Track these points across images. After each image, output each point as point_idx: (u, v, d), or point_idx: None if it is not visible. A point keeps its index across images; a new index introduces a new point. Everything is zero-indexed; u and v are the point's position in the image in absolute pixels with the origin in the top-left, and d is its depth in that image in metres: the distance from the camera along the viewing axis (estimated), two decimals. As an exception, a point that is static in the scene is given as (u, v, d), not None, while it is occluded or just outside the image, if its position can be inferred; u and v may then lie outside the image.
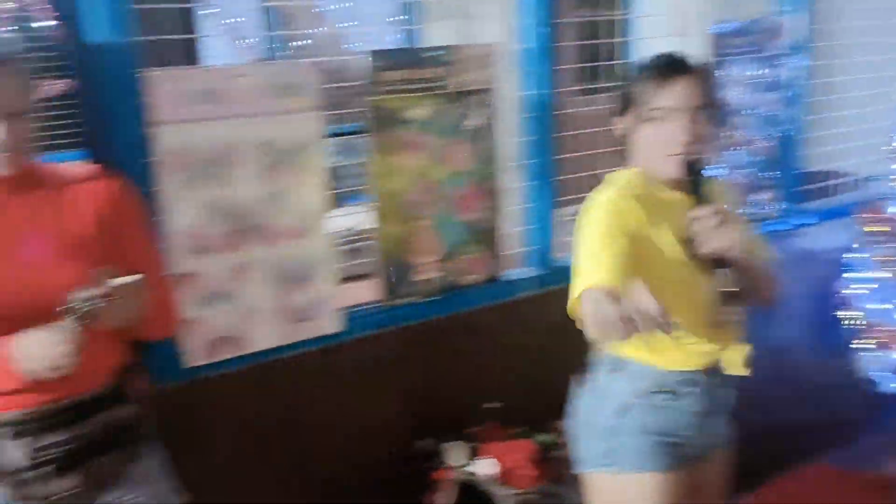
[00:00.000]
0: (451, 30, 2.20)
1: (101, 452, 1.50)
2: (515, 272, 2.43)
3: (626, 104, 1.62)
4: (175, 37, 1.82)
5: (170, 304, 1.61)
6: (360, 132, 2.13)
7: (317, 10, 5.99)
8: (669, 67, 1.57)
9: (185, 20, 1.89)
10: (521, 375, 2.37)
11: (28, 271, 1.43)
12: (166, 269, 1.68)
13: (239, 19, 5.29)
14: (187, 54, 1.85)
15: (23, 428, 1.44)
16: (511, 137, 2.37)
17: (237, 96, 1.87)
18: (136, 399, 1.60)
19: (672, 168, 1.57)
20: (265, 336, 2.01)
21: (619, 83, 1.62)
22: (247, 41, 5.41)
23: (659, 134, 1.57)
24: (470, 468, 2.14)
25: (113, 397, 1.54)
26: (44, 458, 1.44)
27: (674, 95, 1.54)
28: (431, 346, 2.27)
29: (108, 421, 1.52)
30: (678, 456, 1.67)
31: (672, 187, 1.61)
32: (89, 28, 1.70)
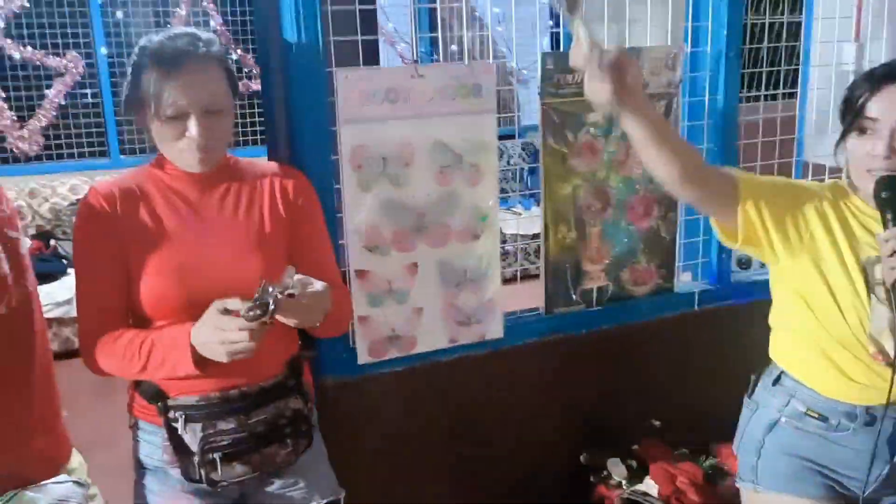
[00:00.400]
0: (606, 34, 2.12)
1: (271, 442, 1.52)
2: (687, 285, 2.31)
3: (842, 112, 1.49)
4: (364, 37, 1.83)
5: (343, 305, 1.61)
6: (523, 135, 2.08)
7: (470, 13, 6.06)
8: (884, 75, 1.43)
9: (367, 21, 1.92)
10: (688, 394, 2.25)
11: (215, 264, 1.47)
12: (341, 268, 1.70)
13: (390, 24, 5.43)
14: (363, 55, 1.86)
15: (195, 413, 1.47)
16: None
17: (416, 96, 1.87)
18: (306, 391, 1.61)
19: (867, 183, 1.44)
20: (432, 337, 2.00)
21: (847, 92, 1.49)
22: (401, 45, 5.53)
23: (861, 146, 1.43)
24: (637, 487, 2.04)
25: (285, 388, 1.56)
26: (213, 445, 1.47)
27: (880, 106, 1.41)
28: (596, 358, 2.20)
29: (279, 412, 1.53)
30: (831, 488, 1.57)
31: (871, 205, 1.47)
32: (288, 27, 1.74)
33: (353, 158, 1.84)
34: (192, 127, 1.40)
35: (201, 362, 1.38)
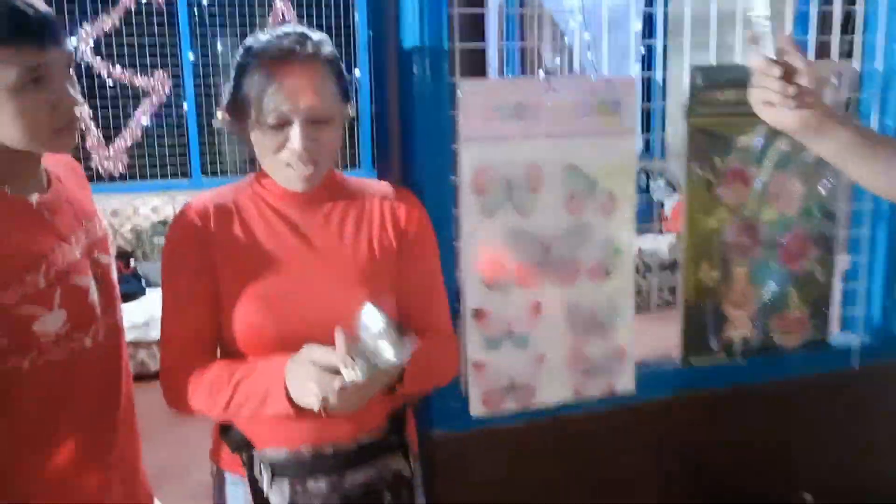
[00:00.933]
0: (705, 51, 1.87)
1: None
2: (845, 337, 2.00)
3: None
4: (480, 44, 1.61)
5: (445, 358, 1.39)
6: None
7: (560, 29, 5.85)
8: None
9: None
10: (845, 464, 1.93)
11: (314, 294, 1.27)
12: (454, 306, 1.46)
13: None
14: (471, 68, 1.64)
15: (283, 470, 1.26)
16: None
17: (548, 113, 1.64)
18: (411, 448, 1.38)
19: None
20: (554, 388, 1.74)
21: None
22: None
23: None
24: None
25: (386, 446, 1.33)
26: None
27: None
28: (738, 418, 1.90)
29: (379, 474, 1.31)
30: None
31: None
32: (409, 31, 1.54)
33: (474, 181, 1.62)
34: (295, 137, 1.21)
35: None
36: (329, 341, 1.13)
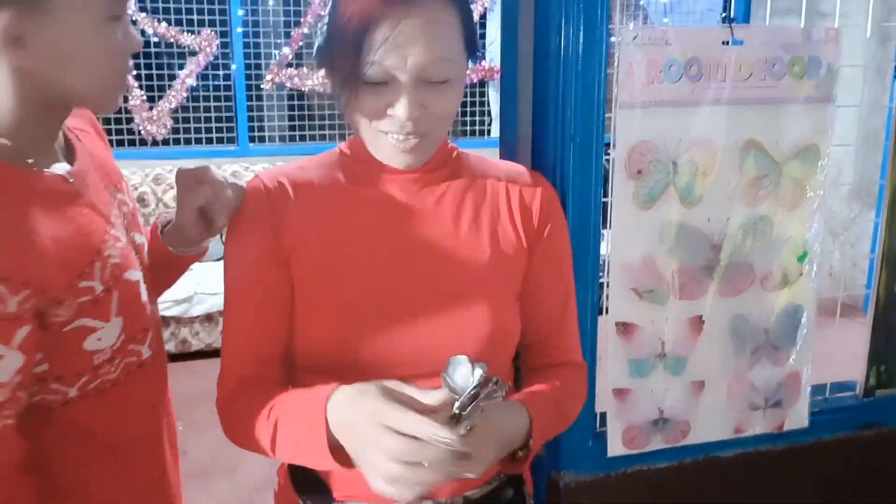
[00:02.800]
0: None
1: None
2: None
3: None
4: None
5: (572, 396, 1.07)
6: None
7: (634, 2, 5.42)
8: None
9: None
10: None
11: (416, 306, 0.96)
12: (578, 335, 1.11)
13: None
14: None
15: None
16: None
17: (728, 72, 1.26)
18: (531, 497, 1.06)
19: None
20: (712, 423, 1.38)
21: None
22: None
23: None
24: None
25: (499, 501, 1.03)
26: None
27: None
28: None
29: None
30: None
31: None
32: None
33: (630, 162, 1.25)
34: (402, 102, 0.89)
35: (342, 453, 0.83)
36: (429, 376, 0.83)
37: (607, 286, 1.28)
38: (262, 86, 4.93)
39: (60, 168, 0.89)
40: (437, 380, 0.77)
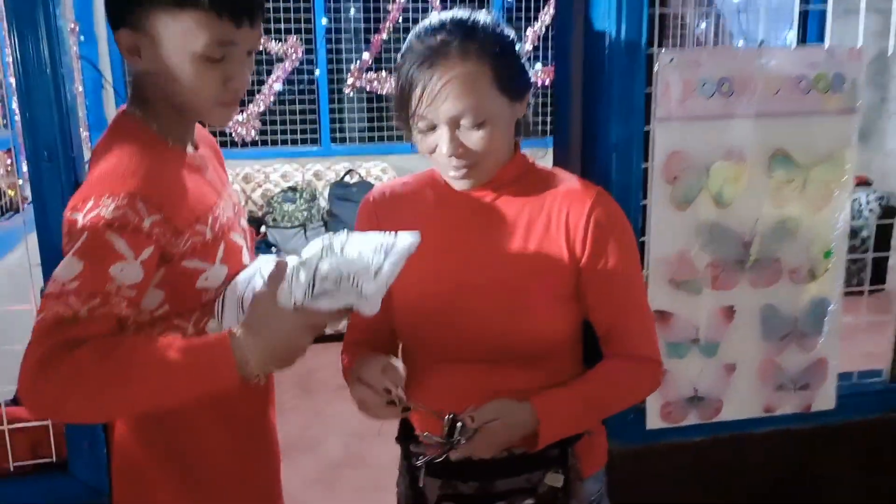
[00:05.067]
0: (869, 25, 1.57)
1: None
2: None
3: None
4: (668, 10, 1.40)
5: (638, 380, 1.21)
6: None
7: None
8: None
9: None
10: None
11: (467, 309, 1.16)
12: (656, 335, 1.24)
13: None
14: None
15: (437, 468, 1.17)
16: None
17: (758, 88, 1.42)
18: (574, 465, 1.23)
19: None
20: (742, 402, 1.54)
21: None
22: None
23: None
24: None
25: (543, 459, 1.18)
26: None
27: None
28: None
29: (531, 485, 1.18)
30: None
31: None
32: (605, -5, 1.35)
33: (667, 168, 1.42)
34: (443, 143, 1.09)
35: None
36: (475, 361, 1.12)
37: (647, 278, 1.46)
38: (343, 89, 5.21)
39: (190, 149, 1.13)
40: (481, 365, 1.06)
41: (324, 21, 5.10)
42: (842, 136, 1.47)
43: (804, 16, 2.77)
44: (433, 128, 1.09)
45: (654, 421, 1.52)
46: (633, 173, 1.42)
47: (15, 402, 1.45)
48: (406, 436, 1.25)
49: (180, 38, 1.00)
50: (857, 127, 1.47)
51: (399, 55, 1.13)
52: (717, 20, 5.56)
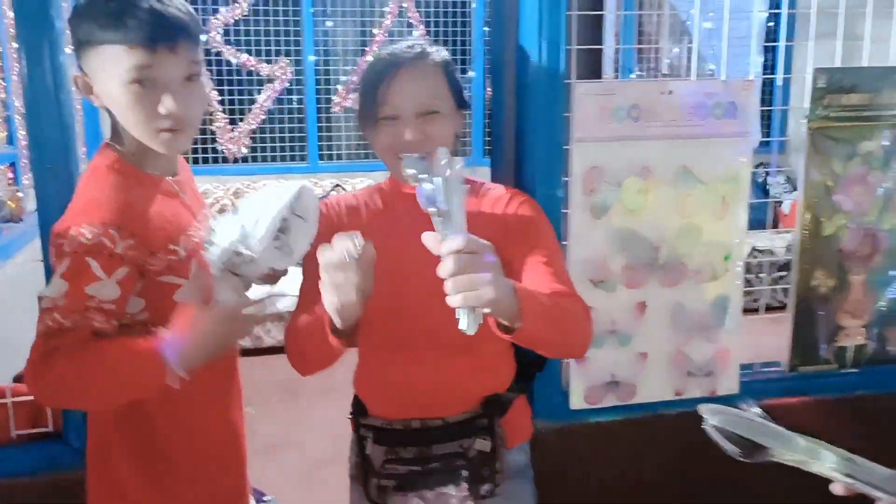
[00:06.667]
0: (829, 52, 1.80)
1: (446, 482, 1.38)
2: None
3: None
4: (597, 47, 1.64)
5: (573, 307, 1.31)
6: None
7: (680, 27, 5.73)
8: None
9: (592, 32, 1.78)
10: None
11: (416, 300, 1.33)
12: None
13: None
14: (586, 70, 1.67)
15: (382, 436, 1.40)
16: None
17: (663, 115, 1.65)
18: (500, 433, 1.42)
19: None
20: (655, 387, 1.76)
21: None
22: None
23: None
24: None
25: (472, 427, 1.39)
26: (390, 472, 1.38)
27: None
28: (846, 429, 1.85)
29: (463, 450, 1.38)
30: None
31: None
32: (528, 33, 1.59)
33: (585, 181, 1.65)
34: (406, 130, 1.31)
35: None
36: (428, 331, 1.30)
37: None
38: (331, 108, 5.46)
39: (168, 178, 1.30)
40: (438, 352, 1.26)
41: (312, 44, 5.36)
42: (737, 155, 1.70)
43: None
44: (395, 120, 1.31)
45: (576, 402, 1.74)
46: (555, 186, 1.65)
47: (17, 379, 1.67)
48: (357, 412, 1.45)
49: (106, 71, 1.14)
50: (751, 149, 1.71)
51: (362, 73, 1.37)
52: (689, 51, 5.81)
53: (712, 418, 0.90)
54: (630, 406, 1.77)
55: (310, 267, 1.41)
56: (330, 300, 1.14)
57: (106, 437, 1.30)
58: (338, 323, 1.18)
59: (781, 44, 2.18)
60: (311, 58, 5.35)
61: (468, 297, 1.02)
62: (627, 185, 1.67)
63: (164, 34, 1.13)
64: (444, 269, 1.02)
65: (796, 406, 1.84)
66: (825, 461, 0.86)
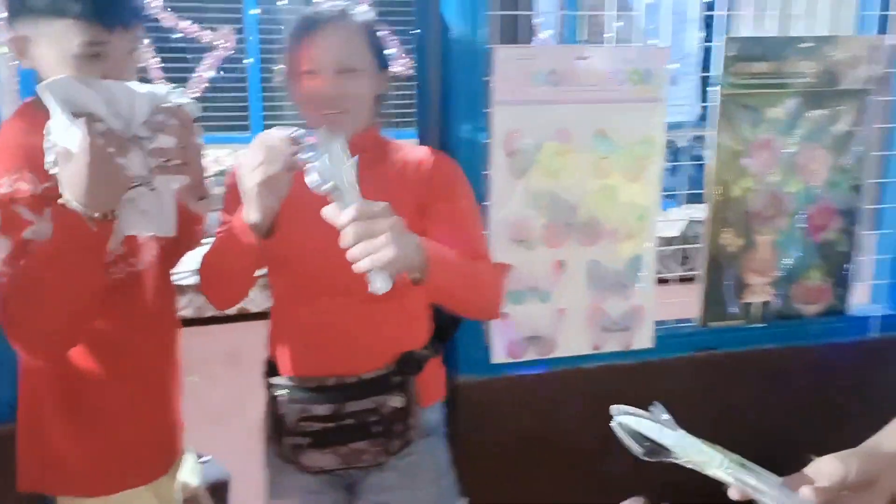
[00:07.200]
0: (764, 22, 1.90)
1: (360, 438, 1.43)
2: (864, 308, 2.05)
3: None
4: (527, 13, 1.70)
5: (483, 270, 1.39)
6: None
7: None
8: None
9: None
10: (855, 431, 1.99)
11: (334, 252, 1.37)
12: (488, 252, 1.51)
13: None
14: (514, 37, 1.72)
15: (294, 394, 1.43)
16: (881, 150, 1.99)
17: (580, 80, 1.72)
18: (413, 390, 1.48)
19: None
20: (574, 341, 1.85)
21: None
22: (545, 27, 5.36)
23: None
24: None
25: (387, 384, 1.45)
26: (304, 429, 1.42)
27: None
28: (753, 380, 1.98)
29: (376, 407, 1.43)
30: None
31: None
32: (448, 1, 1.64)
33: (505, 143, 1.71)
34: (326, 86, 1.35)
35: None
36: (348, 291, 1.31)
37: (490, 237, 1.75)
38: (274, 78, 5.42)
39: None
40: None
41: (254, 11, 5.30)
42: (651, 120, 1.78)
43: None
44: (315, 75, 1.35)
45: (498, 356, 1.81)
46: (477, 148, 1.71)
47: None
48: (270, 373, 1.50)
49: (56, 42, 1.14)
50: (664, 113, 1.79)
51: (287, 30, 1.40)
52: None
53: (620, 417, 0.99)
54: (550, 360, 1.85)
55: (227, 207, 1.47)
56: (254, 184, 1.19)
57: (36, 391, 1.33)
58: (258, 216, 1.21)
59: (710, 14, 2.26)
60: (254, 27, 5.30)
61: (373, 260, 1.06)
62: (546, 147, 1.73)
63: (122, 14, 1.16)
64: (344, 240, 1.07)
65: (707, 359, 1.95)
66: (721, 466, 0.94)
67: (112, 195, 1.11)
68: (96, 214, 1.08)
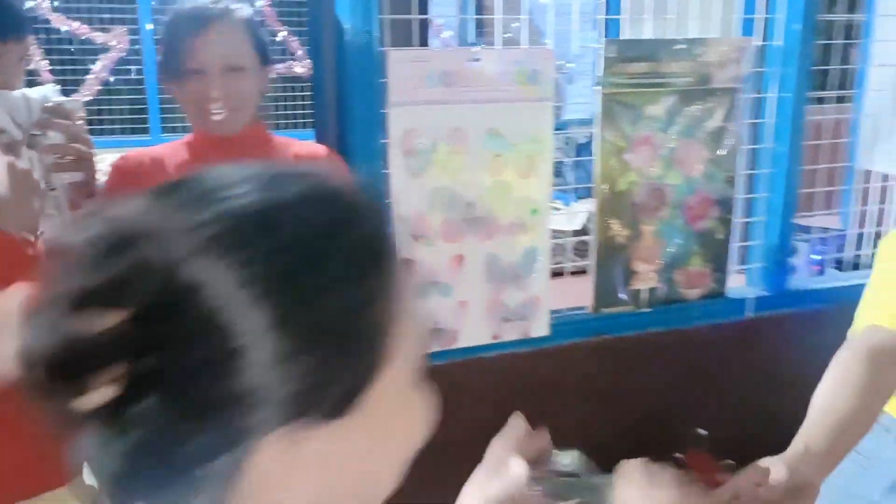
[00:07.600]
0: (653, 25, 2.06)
1: None
2: (740, 290, 2.21)
3: None
4: (418, 16, 1.77)
5: None
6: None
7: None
8: None
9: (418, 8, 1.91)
10: (737, 404, 2.16)
11: None
12: None
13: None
14: (415, 41, 1.80)
15: None
16: (751, 143, 2.16)
17: (471, 81, 1.80)
18: None
19: None
20: (475, 332, 1.93)
21: None
22: (448, 33, 5.46)
23: None
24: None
25: None
26: None
27: None
28: (643, 362, 2.11)
29: None
30: None
31: None
32: (341, 5, 1.68)
33: (403, 143, 1.77)
34: (212, 85, 1.38)
35: None
36: None
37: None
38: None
39: None
40: None
41: (150, 11, 5.18)
42: (540, 119, 1.88)
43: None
44: (201, 75, 1.37)
45: (403, 350, 1.87)
46: (375, 147, 1.76)
47: None
48: None
49: None
50: (552, 112, 1.88)
51: (165, 27, 1.42)
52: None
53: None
54: (452, 350, 1.92)
55: None
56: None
57: None
58: None
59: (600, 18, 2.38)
60: (149, 26, 5.18)
61: None
62: (442, 146, 1.80)
63: (13, 26, 1.20)
64: None
65: (599, 343, 2.06)
66: None
67: (36, 208, 1.13)
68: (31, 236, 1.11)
